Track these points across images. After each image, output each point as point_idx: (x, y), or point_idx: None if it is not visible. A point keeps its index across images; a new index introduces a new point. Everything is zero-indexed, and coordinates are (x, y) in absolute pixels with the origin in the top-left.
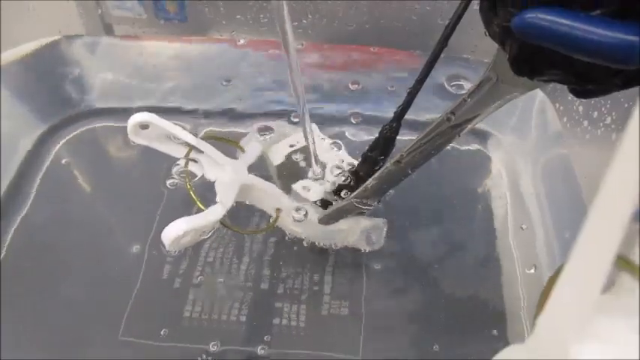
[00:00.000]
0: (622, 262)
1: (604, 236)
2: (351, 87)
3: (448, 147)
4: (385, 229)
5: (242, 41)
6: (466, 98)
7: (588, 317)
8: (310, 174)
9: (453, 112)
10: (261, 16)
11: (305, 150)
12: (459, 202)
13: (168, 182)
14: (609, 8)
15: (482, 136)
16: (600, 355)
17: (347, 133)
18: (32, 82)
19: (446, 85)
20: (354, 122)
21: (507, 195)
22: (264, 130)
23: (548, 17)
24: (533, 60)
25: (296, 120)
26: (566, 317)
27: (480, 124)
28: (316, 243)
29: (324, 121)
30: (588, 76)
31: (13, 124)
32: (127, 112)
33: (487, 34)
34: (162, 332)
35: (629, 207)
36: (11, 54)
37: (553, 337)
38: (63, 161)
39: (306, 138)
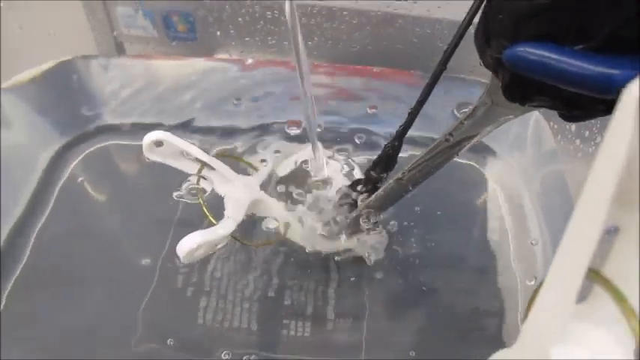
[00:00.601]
0: (594, 274)
1: (577, 254)
2: (355, 105)
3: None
4: (386, 243)
5: (250, 61)
6: (463, 121)
7: (565, 323)
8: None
9: (451, 134)
10: (269, 38)
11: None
12: (458, 216)
13: (179, 197)
14: (591, 43)
15: (480, 152)
16: (577, 356)
17: (350, 150)
18: (50, 100)
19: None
20: (357, 141)
21: (506, 209)
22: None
23: (537, 51)
24: (524, 88)
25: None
26: (546, 323)
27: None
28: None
29: (326, 138)
30: (574, 103)
31: (32, 139)
32: (139, 130)
33: (481, 63)
34: (174, 341)
35: (597, 230)
36: (31, 73)
37: (536, 341)
38: (79, 179)
39: (315, 155)
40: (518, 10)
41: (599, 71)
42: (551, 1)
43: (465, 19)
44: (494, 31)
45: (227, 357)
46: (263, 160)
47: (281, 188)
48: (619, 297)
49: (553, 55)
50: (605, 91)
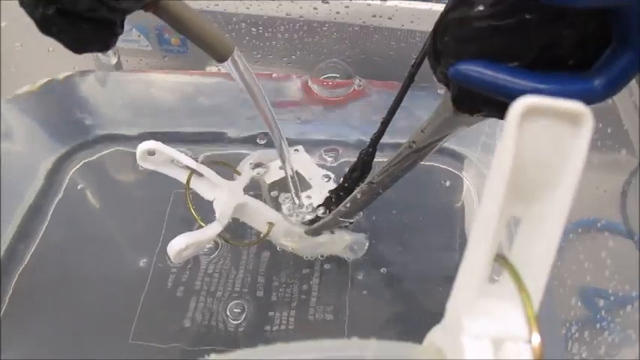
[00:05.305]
0: (501, 259)
1: (483, 241)
2: (333, 113)
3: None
4: (367, 243)
5: None
6: (423, 129)
7: (477, 299)
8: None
9: (414, 141)
10: (254, 52)
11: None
12: (434, 217)
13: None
14: (523, 61)
15: (454, 156)
16: (484, 324)
17: (328, 157)
18: (50, 112)
19: None
20: (333, 147)
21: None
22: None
23: (477, 69)
24: (471, 100)
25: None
26: (462, 299)
27: (452, 146)
28: (304, 257)
29: (307, 147)
30: None
31: (33, 149)
32: (134, 139)
33: (435, 77)
34: (167, 337)
35: (496, 221)
36: (32, 86)
37: (455, 315)
38: (77, 186)
39: (284, 163)
40: (461, 34)
41: (528, 86)
42: (488, 27)
43: (427, 39)
44: (441, 50)
45: (217, 352)
46: (259, 165)
47: (268, 193)
48: (515, 276)
49: (490, 72)
50: None
